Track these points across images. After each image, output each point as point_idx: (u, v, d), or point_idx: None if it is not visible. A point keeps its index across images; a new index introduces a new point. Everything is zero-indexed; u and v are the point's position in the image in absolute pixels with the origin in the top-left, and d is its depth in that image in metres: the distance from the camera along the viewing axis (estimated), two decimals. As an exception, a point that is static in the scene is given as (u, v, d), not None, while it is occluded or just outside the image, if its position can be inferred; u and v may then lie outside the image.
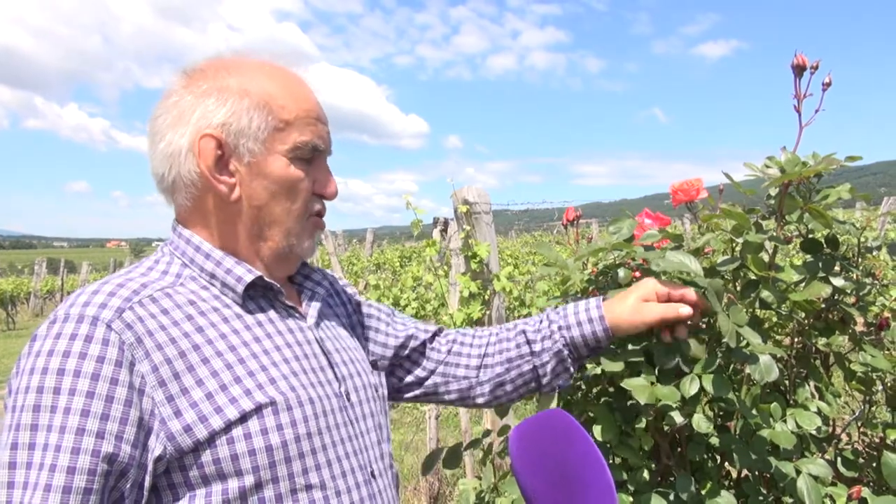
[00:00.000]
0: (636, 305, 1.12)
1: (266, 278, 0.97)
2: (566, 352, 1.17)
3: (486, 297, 3.35)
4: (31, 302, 20.67)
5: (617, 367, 1.12)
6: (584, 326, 1.15)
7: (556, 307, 1.23)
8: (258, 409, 0.86)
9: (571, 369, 1.19)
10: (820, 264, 1.20)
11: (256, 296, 0.98)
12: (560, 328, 1.17)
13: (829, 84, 1.15)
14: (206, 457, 0.83)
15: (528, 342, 1.19)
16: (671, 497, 1.14)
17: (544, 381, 1.20)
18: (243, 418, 0.85)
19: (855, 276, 1.24)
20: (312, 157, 0.99)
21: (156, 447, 0.81)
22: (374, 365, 1.18)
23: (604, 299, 1.18)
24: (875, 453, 1.32)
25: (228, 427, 0.84)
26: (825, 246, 1.24)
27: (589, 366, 1.27)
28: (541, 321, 1.20)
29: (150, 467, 0.81)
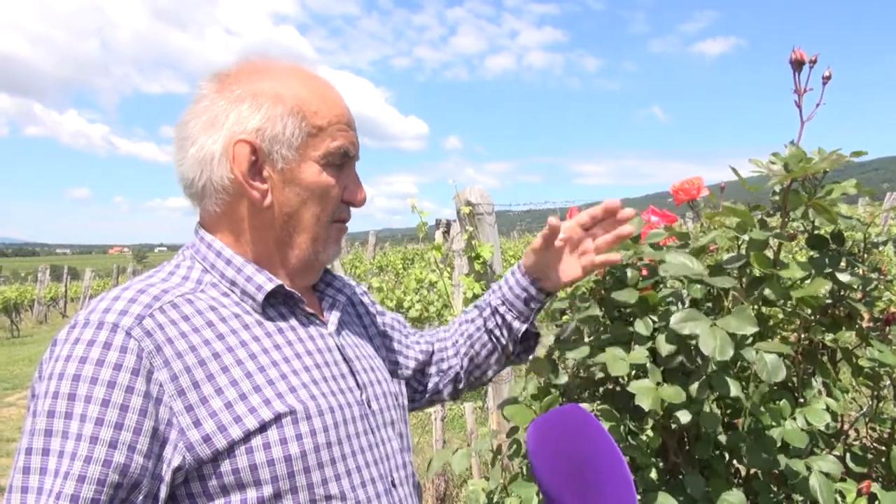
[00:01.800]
0: (545, 254, 1.17)
1: (287, 287, 0.96)
2: (504, 308, 1.21)
3: (490, 298, 3.35)
4: (34, 309, 20.69)
5: (622, 369, 1.11)
6: (508, 279, 1.22)
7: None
8: (277, 419, 0.85)
9: (515, 325, 1.22)
10: (826, 260, 1.20)
11: (277, 303, 0.97)
12: (492, 291, 1.24)
13: (828, 78, 1.15)
14: (225, 466, 0.82)
15: (481, 315, 1.25)
16: (680, 496, 1.14)
17: (502, 344, 1.24)
18: (262, 428, 0.84)
19: (861, 272, 1.24)
20: (343, 162, 0.98)
21: (174, 457, 0.80)
22: (393, 373, 1.17)
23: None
24: (884, 448, 1.32)
25: (247, 437, 0.83)
26: (831, 242, 1.24)
27: (595, 366, 1.27)
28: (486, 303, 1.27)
29: (167, 478, 0.80)
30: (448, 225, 5.06)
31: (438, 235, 4.97)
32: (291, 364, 0.91)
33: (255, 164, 0.92)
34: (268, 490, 0.83)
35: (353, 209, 1.03)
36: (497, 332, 1.23)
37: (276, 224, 0.95)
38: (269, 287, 0.94)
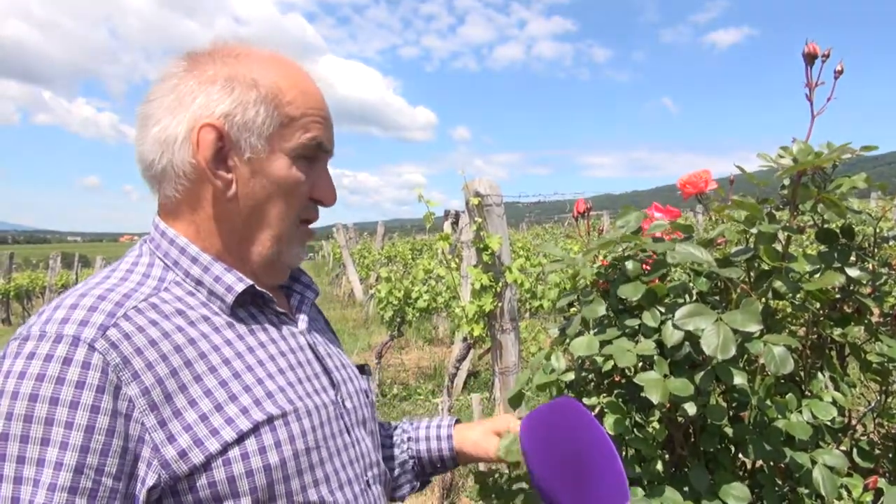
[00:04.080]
0: (483, 436, 1.15)
1: (257, 287, 0.91)
2: (411, 464, 1.21)
3: (498, 290, 3.35)
4: (45, 296, 20.88)
5: (629, 361, 1.11)
6: (432, 442, 1.19)
7: (413, 419, 1.26)
8: (256, 428, 0.81)
9: (415, 483, 1.21)
10: (835, 254, 1.20)
11: (245, 302, 0.91)
12: (409, 439, 1.21)
13: (841, 72, 1.14)
14: (202, 481, 0.77)
15: (400, 446, 1.23)
16: (685, 488, 1.14)
17: (405, 478, 1.23)
18: (240, 439, 0.79)
19: (871, 267, 1.23)
20: (316, 156, 0.93)
21: (148, 476, 0.74)
22: (361, 370, 1.13)
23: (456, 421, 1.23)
24: (891, 444, 1.32)
25: (225, 449, 0.78)
26: (841, 236, 1.23)
27: (599, 359, 1.27)
28: (402, 430, 1.24)
29: (141, 497, 0.74)
30: (457, 216, 5.06)
31: (447, 226, 4.96)
32: (266, 367, 0.87)
33: (220, 151, 0.86)
34: (246, 501, 0.79)
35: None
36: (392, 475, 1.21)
37: (239, 217, 0.89)
38: (240, 288, 0.88)
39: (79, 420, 0.70)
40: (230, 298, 0.88)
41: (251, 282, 0.90)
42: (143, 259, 0.90)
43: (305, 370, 0.93)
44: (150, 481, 0.74)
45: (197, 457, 0.76)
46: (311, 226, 0.99)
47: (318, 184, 0.94)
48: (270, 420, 0.83)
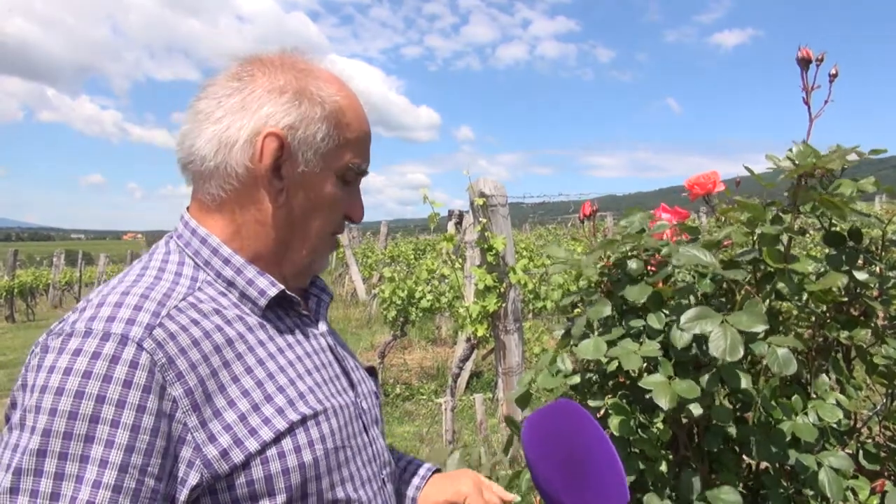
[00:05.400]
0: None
1: (288, 291, 0.93)
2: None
3: (502, 290, 3.35)
4: (49, 293, 20.93)
5: (635, 363, 1.11)
6: (400, 499, 1.15)
7: (406, 455, 1.23)
8: (291, 428, 0.83)
9: None
10: (843, 257, 1.20)
11: (273, 304, 0.93)
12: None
13: (835, 75, 1.16)
14: (240, 479, 0.79)
15: None
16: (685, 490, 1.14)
17: None
18: (277, 438, 0.81)
19: (878, 270, 1.23)
20: (354, 179, 0.97)
21: (191, 476, 0.75)
22: (370, 371, 1.14)
23: (434, 472, 1.18)
24: (896, 447, 1.32)
25: (264, 448, 0.80)
26: (848, 238, 1.23)
27: (604, 359, 1.27)
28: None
29: (181, 497, 0.75)
30: (460, 216, 5.07)
31: (451, 227, 4.97)
32: (296, 368, 0.89)
33: (276, 160, 0.88)
34: (281, 499, 0.81)
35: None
36: None
37: (282, 225, 0.91)
38: (273, 293, 0.90)
39: (125, 419, 0.71)
40: (263, 302, 0.90)
41: (282, 286, 0.92)
42: (173, 257, 0.91)
43: (329, 371, 0.95)
44: (192, 481, 0.75)
45: (237, 456, 0.78)
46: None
47: (352, 202, 0.98)
48: (304, 420, 0.85)
